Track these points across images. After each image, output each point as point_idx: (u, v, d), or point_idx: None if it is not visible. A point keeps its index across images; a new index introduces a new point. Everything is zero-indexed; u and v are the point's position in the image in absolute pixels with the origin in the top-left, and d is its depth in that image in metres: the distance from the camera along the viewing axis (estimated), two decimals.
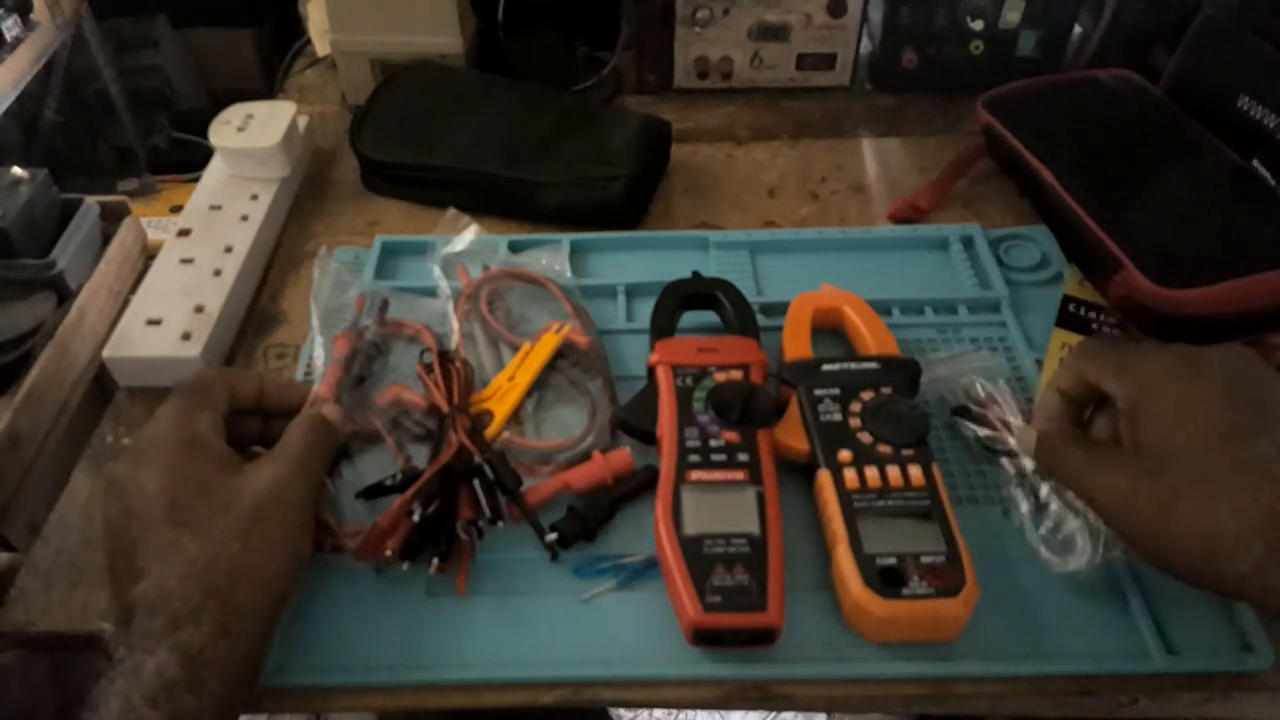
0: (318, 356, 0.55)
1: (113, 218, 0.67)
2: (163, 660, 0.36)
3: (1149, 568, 0.44)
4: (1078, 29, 0.81)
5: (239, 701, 0.39)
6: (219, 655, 0.38)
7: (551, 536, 0.46)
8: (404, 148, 0.70)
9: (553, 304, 0.59)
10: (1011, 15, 0.77)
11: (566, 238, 0.64)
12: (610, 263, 0.64)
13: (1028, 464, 0.48)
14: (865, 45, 0.81)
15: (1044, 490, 0.47)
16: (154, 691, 0.36)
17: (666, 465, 0.47)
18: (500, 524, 0.46)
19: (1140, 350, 0.45)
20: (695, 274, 0.58)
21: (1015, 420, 0.49)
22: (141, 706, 0.35)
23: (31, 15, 0.96)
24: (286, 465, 0.44)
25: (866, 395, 0.49)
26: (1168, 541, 0.39)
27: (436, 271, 0.60)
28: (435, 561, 0.45)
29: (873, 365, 0.51)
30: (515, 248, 0.63)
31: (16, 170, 0.63)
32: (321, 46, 0.89)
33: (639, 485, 0.49)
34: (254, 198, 0.67)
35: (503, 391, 0.53)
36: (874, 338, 0.54)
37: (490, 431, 0.51)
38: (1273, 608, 0.38)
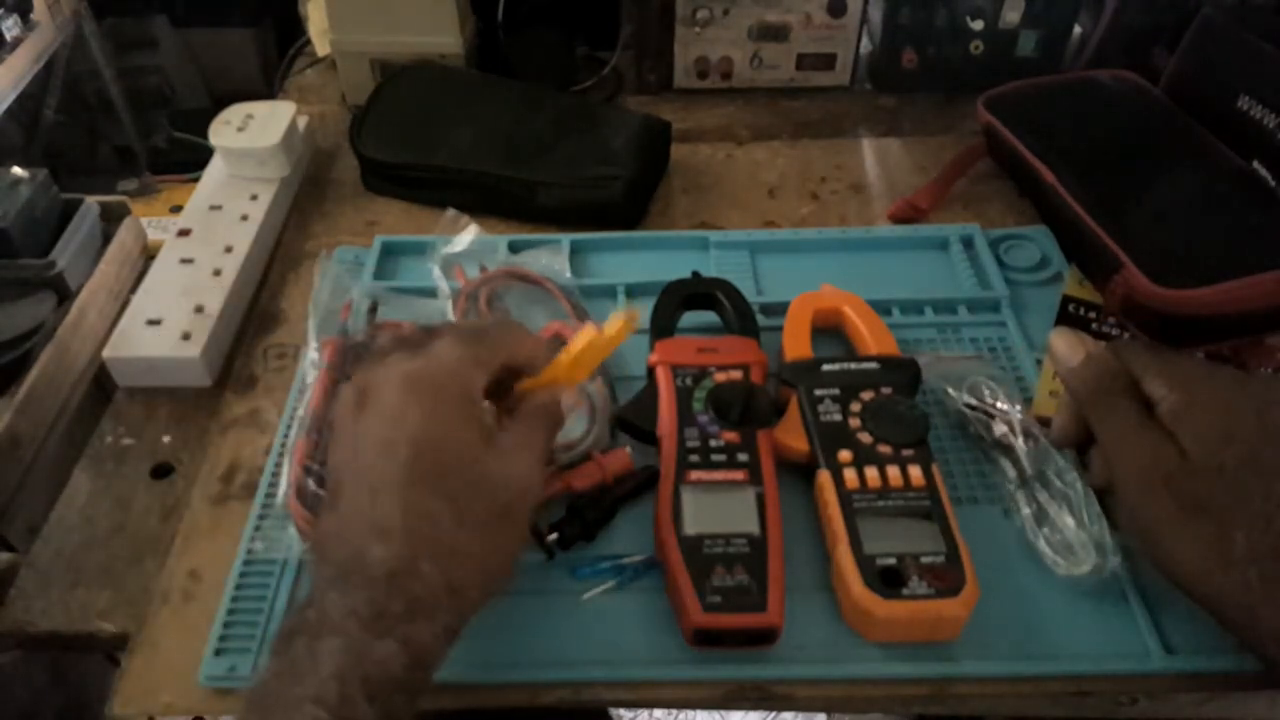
0: (311, 361, 0.55)
1: (113, 218, 0.67)
2: (390, 650, 0.32)
3: (1143, 557, 0.44)
4: (1078, 29, 0.81)
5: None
6: (436, 658, 0.34)
7: (552, 537, 0.46)
8: (404, 148, 0.70)
9: (552, 304, 0.59)
10: (1011, 15, 0.77)
11: (566, 238, 0.64)
12: (610, 263, 0.64)
13: (1028, 465, 0.48)
14: (865, 45, 0.81)
15: (1044, 495, 0.47)
16: (376, 684, 0.32)
17: (666, 465, 0.47)
18: None
19: (1190, 361, 0.45)
20: (695, 274, 0.58)
21: (1020, 415, 0.49)
22: (359, 701, 0.31)
23: (31, 15, 0.96)
24: (537, 463, 0.39)
25: (866, 395, 0.49)
26: (1177, 540, 0.40)
27: (436, 272, 0.60)
28: None
29: (873, 365, 0.51)
30: (515, 248, 0.63)
31: (16, 170, 0.63)
32: (321, 46, 0.89)
33: (639, 485, 0.49)
34: (254, 198, 0.67)
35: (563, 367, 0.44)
36: (874, 338, 0.54)
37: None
38: (1246, 631, 0.39)
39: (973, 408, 0.51)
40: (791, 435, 0.49)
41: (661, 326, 0.55)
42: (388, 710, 0.32)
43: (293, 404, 0.54)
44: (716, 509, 0.45)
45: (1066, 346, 0.48)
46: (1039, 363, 0.55)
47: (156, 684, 0.43)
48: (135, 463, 0.54)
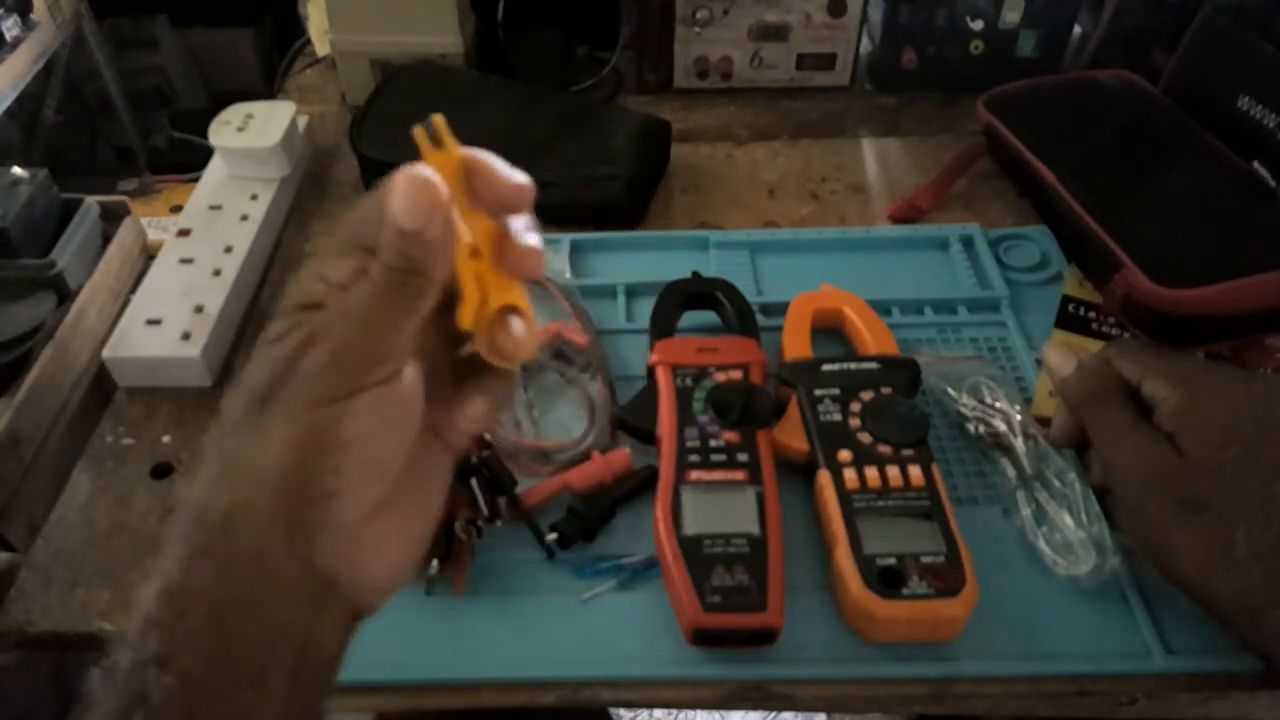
0: None
1: (113, 218, 0.67)
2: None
3: (1143, 558, 0.44)
4: (1078, 29, 0.81)
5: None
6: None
7: (552, 537, 0.46)
8: (404, 148, 0.69)
9: (552, 303, 0.59)
10: (1011, 15, 0.77)
11: (566, 238, 0.64)
12: (610, 263, 0.64)
13: (1027, 465, 0.48)
14: (865, 45, 0.81)
15: (1044, 495, 0.47)
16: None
17: (666, 465, 0.47)
18: (499, 523, 0.46)
19: (1191, 361, 0.45)
20: (695, 274, 0.58)
21: (1019, 416, 0.49)
22: None
23: (31, 15, 0.96)
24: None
25: (866, 395, 0.49)
26: (1177, 540, 0.40)
27: None
28: (435, 562, 0.45)
29: (873, 365, 0.51)
30: None
31: (16, 170, 0.63)
32: (321, 46, 0.89)
33: (639, 485, 0.49)
34: (254, 198, 0.67)
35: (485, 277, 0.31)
36: (874, 338, 0.54)
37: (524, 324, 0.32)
38: (1247, 631, 0.39)
39: (973, 408, 0.51)
40: (791, 435, 0.49)
41: (661, 327, 0.55)
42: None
43: None
44: (716, 509, 0.45)
45: (1059, 358, 0.48)
46: (1039, 362, 0.55)
47: None
48: (135, 463, 0.54)
